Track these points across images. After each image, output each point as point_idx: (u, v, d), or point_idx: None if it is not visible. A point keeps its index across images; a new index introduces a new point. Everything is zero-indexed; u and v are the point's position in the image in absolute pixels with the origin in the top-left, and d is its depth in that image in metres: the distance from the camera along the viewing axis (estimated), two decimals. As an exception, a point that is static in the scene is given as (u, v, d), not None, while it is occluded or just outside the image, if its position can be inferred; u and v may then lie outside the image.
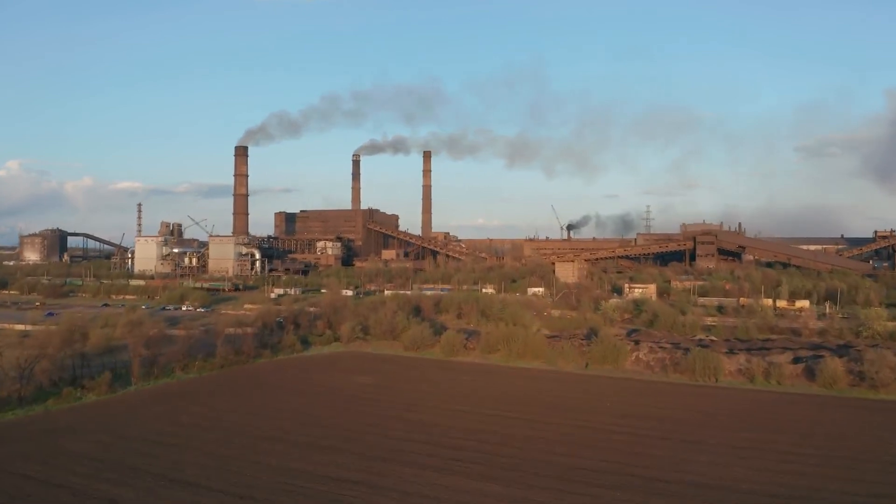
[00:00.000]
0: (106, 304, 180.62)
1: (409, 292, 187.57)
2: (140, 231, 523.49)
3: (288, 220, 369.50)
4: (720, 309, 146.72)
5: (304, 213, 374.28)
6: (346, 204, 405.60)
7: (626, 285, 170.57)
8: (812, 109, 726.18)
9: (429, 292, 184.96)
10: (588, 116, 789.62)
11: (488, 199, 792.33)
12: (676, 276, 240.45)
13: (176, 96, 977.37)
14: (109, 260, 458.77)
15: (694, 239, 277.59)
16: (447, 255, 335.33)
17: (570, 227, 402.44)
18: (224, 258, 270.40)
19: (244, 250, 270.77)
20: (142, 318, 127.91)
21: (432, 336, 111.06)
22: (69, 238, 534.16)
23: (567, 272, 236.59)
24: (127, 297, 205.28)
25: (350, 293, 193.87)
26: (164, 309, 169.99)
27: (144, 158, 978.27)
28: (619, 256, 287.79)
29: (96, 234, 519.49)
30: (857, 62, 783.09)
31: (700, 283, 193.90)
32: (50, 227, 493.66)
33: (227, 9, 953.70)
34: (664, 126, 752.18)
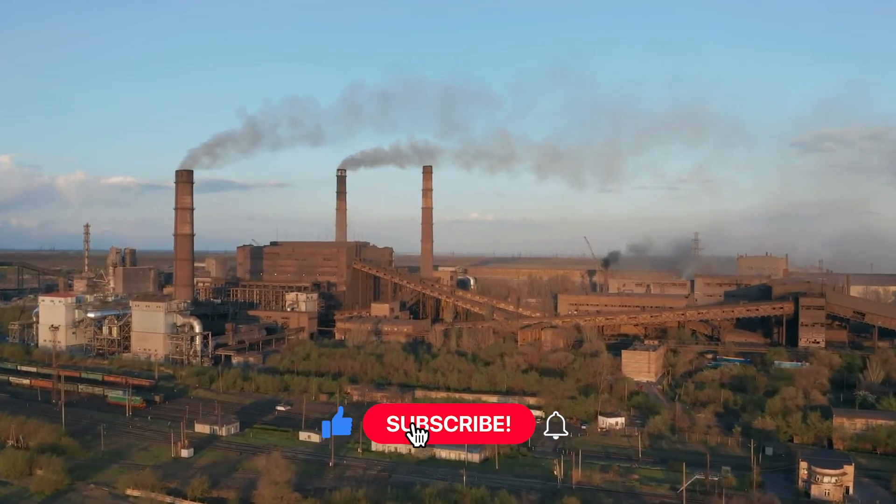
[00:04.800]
0: None
1: (411, 450, 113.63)
2: (87, 256, 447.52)
3: (254, 256, 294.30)
4: None
5: (275, 247, 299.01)
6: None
7: (804, 465, 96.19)
8: (831, 105, 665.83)
9: (445, 453, 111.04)
10: (606, 115, 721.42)
11: (486, 196, 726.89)
12: (787, 359, 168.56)
13: (173, 90, 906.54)
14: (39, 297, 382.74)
15: (795, 299, 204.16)
16: (455, 306, 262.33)
17: (606, 263, 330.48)
18: (152, 331, 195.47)
19: (180, 320, 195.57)
20: None
21: None
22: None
23: (639, 367, 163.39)
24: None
25: (315, 439, 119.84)
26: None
27: (138, 153, 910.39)
28: (689, 320, 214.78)
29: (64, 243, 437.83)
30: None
31: (880, 421, 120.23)
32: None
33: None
34: (687, 127, 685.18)
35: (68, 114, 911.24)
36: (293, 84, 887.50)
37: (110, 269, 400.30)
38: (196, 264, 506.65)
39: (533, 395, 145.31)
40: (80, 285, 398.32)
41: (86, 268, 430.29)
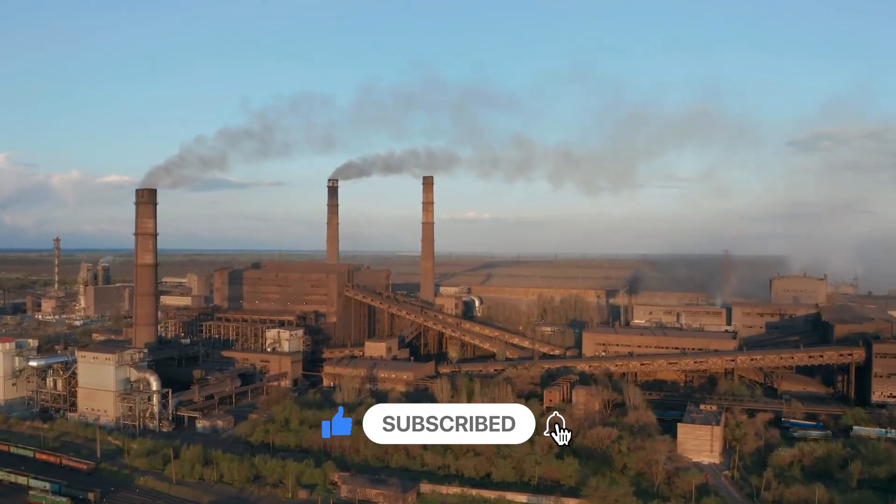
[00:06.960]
0: None
1: None
2: (57, 273, 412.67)
3: (233, 281, 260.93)
4: None
5: (256, 271, 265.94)
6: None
7: None
8: (833, 105, 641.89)
9: None
10: (618, 119, 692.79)
11: (483, 195, 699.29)
12: None
13: (172, 90, 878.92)
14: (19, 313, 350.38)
15: (867, 343, 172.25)
16: (462, 342, 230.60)
17: (630, 290, 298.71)
18: (101, 388, 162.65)
19: (134, 375, 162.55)
20: None
21: None
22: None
23: (700, 444, 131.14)
24: None
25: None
26: None
27: (136, 152, 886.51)
28: (740, 367, 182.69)
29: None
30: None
31: None
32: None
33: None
34: (693, 128, 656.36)
35: (65, 112, 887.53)
36: (298, 84, 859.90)
37: (81, 288, 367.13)
38: (178, 279, 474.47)
39: (574, 493, 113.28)
40: (48, 306, 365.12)
41: (56, 285, 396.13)
